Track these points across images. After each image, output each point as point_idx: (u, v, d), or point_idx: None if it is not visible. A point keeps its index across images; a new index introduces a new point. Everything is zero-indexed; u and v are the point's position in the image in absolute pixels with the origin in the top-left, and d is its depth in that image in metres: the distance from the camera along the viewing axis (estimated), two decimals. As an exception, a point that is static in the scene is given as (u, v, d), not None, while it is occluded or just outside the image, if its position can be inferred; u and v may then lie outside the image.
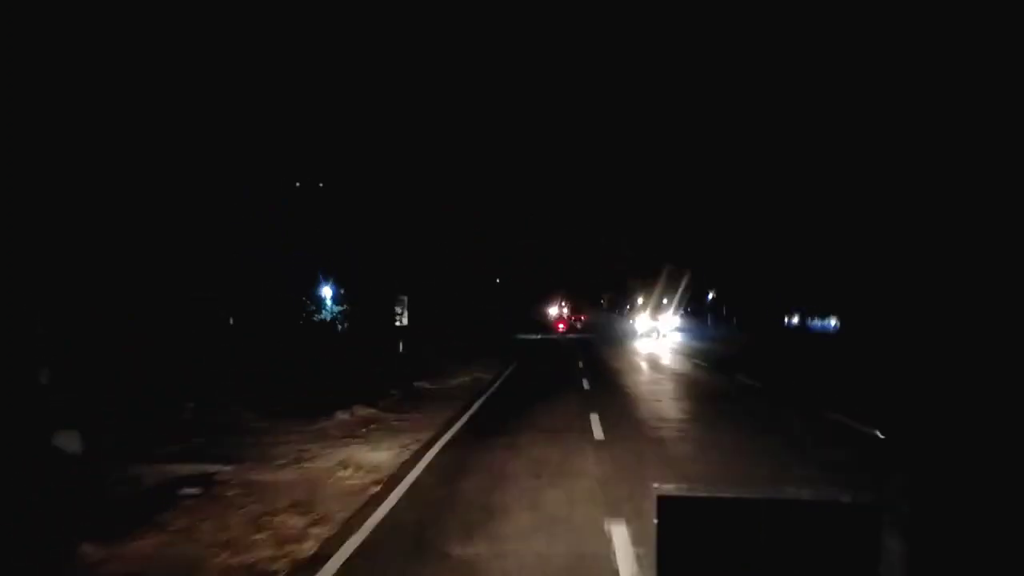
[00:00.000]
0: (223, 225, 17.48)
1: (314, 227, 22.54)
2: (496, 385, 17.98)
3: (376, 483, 7.79)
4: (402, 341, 25.13)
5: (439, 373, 19.53)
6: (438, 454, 9.25)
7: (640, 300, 60.26)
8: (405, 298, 26.74)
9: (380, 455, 9.18)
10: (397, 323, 26.49)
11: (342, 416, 11.92)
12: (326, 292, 26.42)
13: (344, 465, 8.48)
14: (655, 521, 2.42)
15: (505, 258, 27.51)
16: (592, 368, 22.52)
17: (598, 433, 10.35)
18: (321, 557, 5.40)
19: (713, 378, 19.13)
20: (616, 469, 8.05)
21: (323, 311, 24.90)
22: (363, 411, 12.41)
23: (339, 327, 24.24)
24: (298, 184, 22.27)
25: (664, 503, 2.48)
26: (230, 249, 17.73)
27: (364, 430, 11.07)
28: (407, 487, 7.56)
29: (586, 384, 17.53)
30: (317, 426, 11.17)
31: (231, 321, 20.28)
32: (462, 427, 11.43)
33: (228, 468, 8.41)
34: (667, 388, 16.58)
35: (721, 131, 37.68)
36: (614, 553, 5.21)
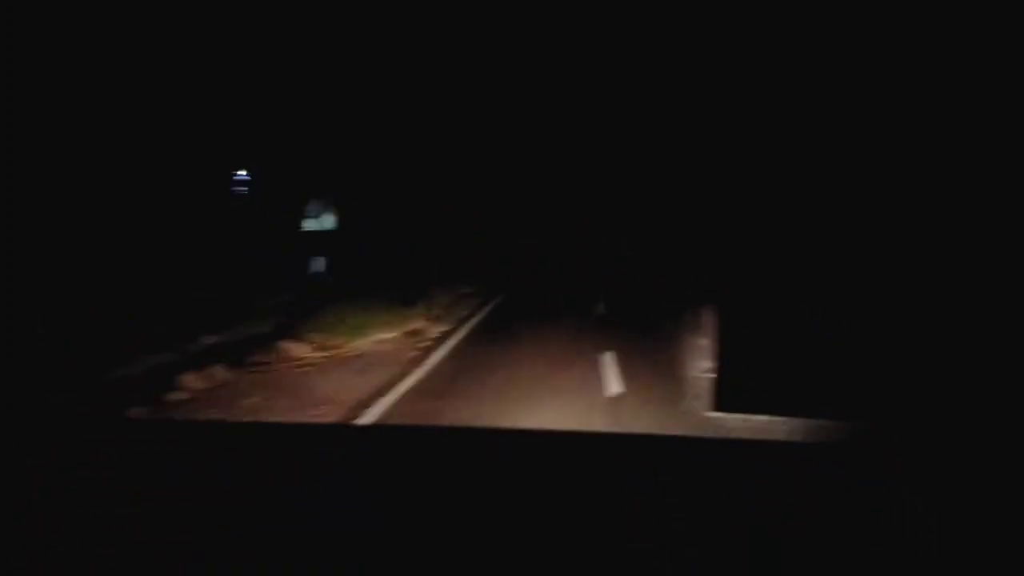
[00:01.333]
0: None
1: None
2: (438, 355, 8.96)
3: None
4: (325, 255, 15.94)
5: (350, 319, 10.58)
6: None
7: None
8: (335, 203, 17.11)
9: None
10: (312, 227, 16.86)
11: None
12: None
13: None
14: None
15: (505, 258, 24.30)
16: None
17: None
18: None
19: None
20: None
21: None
22: None
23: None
24: None
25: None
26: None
27: None
28: None
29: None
30: None
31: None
32: None
33: None
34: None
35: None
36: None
